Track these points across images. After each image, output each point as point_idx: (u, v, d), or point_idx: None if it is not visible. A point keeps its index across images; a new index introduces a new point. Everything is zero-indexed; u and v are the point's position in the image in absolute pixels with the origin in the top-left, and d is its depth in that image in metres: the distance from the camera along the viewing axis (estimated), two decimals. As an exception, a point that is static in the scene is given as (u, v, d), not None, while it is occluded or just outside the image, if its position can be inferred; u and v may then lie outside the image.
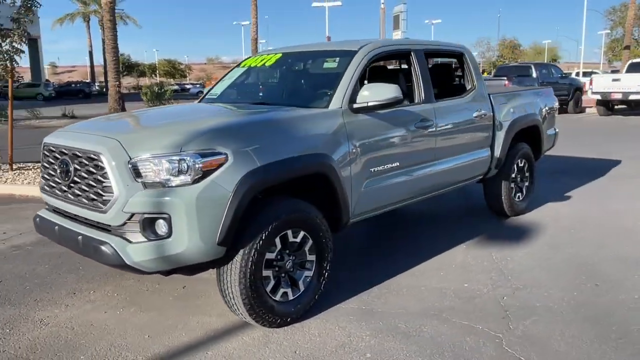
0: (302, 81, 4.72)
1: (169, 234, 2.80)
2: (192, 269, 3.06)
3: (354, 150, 3.59)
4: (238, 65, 5.10)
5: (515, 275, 4.02)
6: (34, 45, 39.87)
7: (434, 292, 3.72)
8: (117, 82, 19.72)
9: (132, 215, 2.83)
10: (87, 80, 58.68)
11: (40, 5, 8.25)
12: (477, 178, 5.14)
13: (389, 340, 3.06)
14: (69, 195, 3.19)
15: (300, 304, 3.32)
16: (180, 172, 2.82)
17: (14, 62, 8.04)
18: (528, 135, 5.83)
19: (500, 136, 5.16)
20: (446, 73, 5.55)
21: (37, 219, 3.52)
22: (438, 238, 4.96)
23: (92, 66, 61.45)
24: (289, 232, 3.22)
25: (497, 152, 5.14)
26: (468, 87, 5.05)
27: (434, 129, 4.30)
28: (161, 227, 2.82)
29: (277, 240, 3.16)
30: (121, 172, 2.85)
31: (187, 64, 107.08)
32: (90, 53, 59.98)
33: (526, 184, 5.77)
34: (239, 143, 2.98)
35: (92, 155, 2.99)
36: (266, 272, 3.14)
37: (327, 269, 3.47)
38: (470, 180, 5.05)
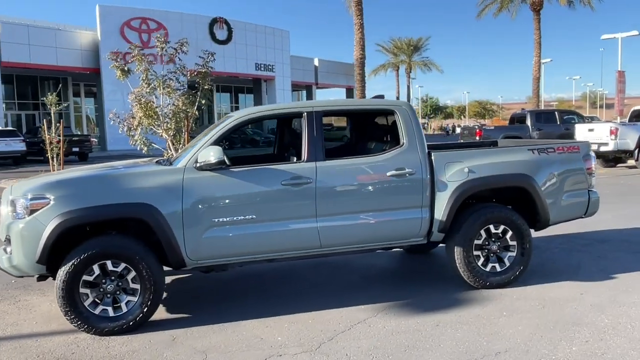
0: None
1: (11, 251, 4.15)
2: (45, 276, 4.33)
3: (189, 202, 4.26)
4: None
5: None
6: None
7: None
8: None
9: (6, 235, 4.27)
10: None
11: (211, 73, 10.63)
12: (410, 240, 4.86)
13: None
14: None
15: (120, 322, 4.17)
16: (21, 209, 4.13)
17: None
18: (516, 199, 5.05)
19: (444, 197, 4.75)
20: (375, 130, 5.39)
21: None
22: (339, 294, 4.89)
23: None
24: (109, 262, 4.15)
25: (439, 215, 4.75)
26: (396, 144, 4.87)
27: (311, 186, 4.48)
28: (9, 246, 4.19)
29: (96, 266, 4.13)
30: (6, 206, 4.32)
31: (500, 103, 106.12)
32: (397, 99, 65.88)
33: (510, 254, 4.97)
34: (62, 192, 4.13)
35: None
36: (84, 290, 4.13)
37: (150, 298, 4.22)
38: (397, 242, 4.84)
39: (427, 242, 4.96)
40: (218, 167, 4.31)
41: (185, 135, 10.37)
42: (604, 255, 6.09)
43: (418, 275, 5.65)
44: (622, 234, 7.15)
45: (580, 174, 5.19)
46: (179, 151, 10.40)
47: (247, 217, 4.39)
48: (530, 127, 17.56)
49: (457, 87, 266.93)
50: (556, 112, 18.97)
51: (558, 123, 17.96)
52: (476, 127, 20.89)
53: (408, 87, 63.96)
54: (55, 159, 14.47)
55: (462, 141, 16.80)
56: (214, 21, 38.55)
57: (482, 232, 4.89)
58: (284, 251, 4.60)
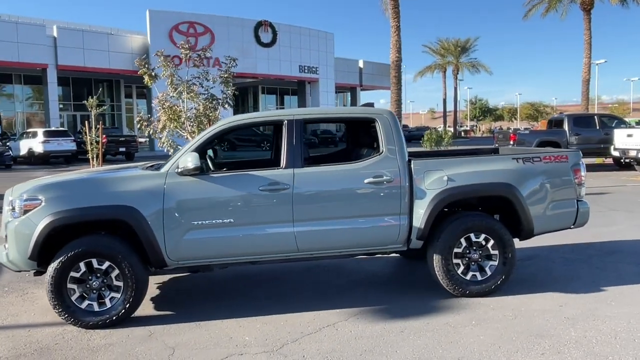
0: None
1: (8, 247, 4.51)
2: (41, 272, 4.67)
3: (170, 205, 4.50)
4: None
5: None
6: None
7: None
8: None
9: (5, 233, 4.64)
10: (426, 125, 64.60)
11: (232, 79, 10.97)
12: (389, 247, 4.93)
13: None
14: None
15: (104, 316, 4.45)
16: (17, 209, 4.49)
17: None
18: (500, 208, 5.03)
19: (422, 204, 4.80)
20: (359, 138, 5.51)
21: None
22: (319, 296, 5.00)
23: (444, 112, 66.44)
24: (94, 260, 4.45)
25: (417, 222, 4.81)
26: (376, 152, 4.95)
27: (288, 192, 4.64)
28: (6, 242, 4.56)
29: (82, 264, 4.43)
30: (7, 205, 4.70)
31: (555, 105, 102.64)
32: (444, 100, 65.01)
33: (492, 263, 4.95)
34: (53, 194, 4.45)
35: None
36: (71, 285, 4.44)
37: (132, 295, 4.48)
38: (375, 248, 4.93)
39: (407, 249, 5.01)
40: (195, 172, 4.53)
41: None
42: (604, 266, 5.93)
43: (406, 281, 5.70)
44: (635, 246, 6.91)
45: (568, 184, 5.10)
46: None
47: (225, 220, 4.60)
48: (568, 131, 17.01)
49: (508, 89, 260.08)
50: (596, 117, 18.26)
51: (597, 128, 17.30)
52: (510, 131, 20.39)
53: (455, 88, 62.99)
54: (95, 159, 15.21)
55: (496, 145, 16.47)
56: (259, 24, 39.24)
57: (463, 240, 4.90)
58: (262, 254, 4.78)
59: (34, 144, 25.39)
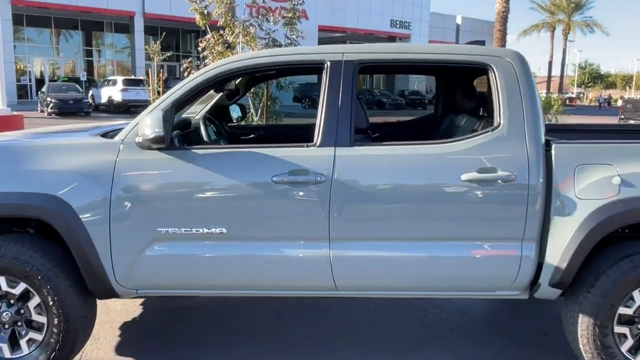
0: None
1: None
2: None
3: (122, 198, 2.66)
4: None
5: None
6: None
7: None
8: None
9: None
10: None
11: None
12: (495, 293, 2.81)
13: None
14: None
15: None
16: None
17: None
18: None
19: (567, 226, 2.62)
20: (459, 99, 3.43)
21: None
22: None
23: (549, 77, 60.34)
24: (1, 280, 2.73)
25: (555, 256, 2.65)
26: (486, 125, 2.80)
27: (323, 188, 2.63)
28: None
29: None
30: None
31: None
32: (550, 63, 58.89)
33: (689, 338, 2.70)
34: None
35: None
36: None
37: (60, 340, 2.74)
38: (470, 292, 2.85)
39: (527, 298, 2.88)
40: (159, 145, 2.63)
41: (266, 92, 8.85)
42: None
43: (510, 333, 3.57)
44: None
45: None
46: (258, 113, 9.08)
47: (214, 230, 2.69)
48: None
49: (623, 55, 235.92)
50: None
51: None
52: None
53: (564, 50, 56.73)
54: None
55: (621, 119, 13.32)
56: (349, -27, 36.47)
57: (637, 294, 2.69)
58: (270, 288, 2.85)
59: (114, 92, 24.96)
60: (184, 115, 3.67)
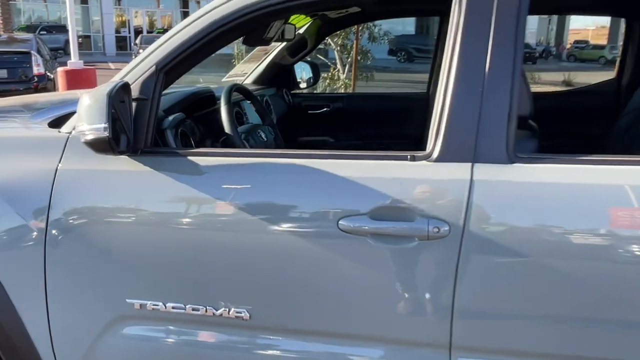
0: None
1: None
2: None
3: (65, 241, 1.45)
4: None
5: None
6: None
7: None
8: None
9: None
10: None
11: None
12: None
13: None
14: None
15: None
16: None
17: None
18: None
19: None
20: None
21: None
22: None
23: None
24: None
25: None
26: None
27: (445, 250, 1.25)
28: None
29: None
30: None
31: None
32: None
33: None
34: None
35: None
36: None
37: None
38: None
39: None
40: (109, 152, 1.36)
41: (355, 44, 7.39)
42: None
43: None
44: None
45: None
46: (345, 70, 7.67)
47: (225, 311, 1.40)
48: None
49: None
50: None
51: None
52: None
53: None
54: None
55: None
56: None
57: None
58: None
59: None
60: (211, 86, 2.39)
